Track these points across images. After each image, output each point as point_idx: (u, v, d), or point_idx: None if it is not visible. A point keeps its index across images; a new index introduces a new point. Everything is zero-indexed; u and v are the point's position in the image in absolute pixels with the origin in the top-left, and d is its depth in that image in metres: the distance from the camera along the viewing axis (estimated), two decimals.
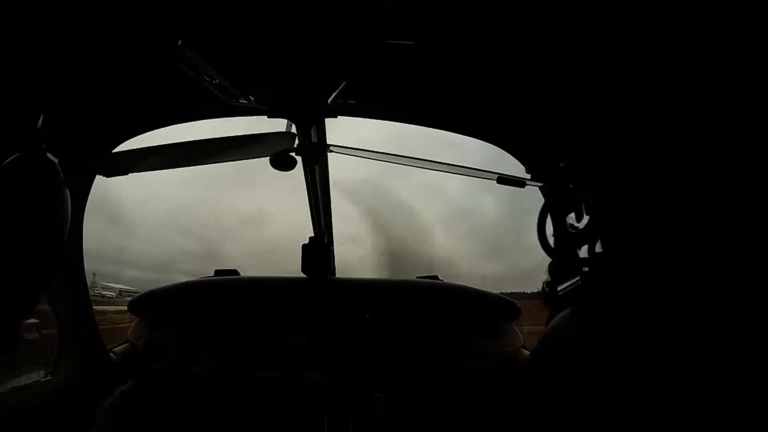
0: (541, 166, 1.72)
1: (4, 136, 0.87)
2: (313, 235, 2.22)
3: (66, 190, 0.90)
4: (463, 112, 1.60)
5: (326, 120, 1.59)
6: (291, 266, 2.26)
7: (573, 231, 1.57)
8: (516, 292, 2.69)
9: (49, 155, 0.89)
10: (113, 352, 2.12)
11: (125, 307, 2.42)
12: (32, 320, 1.72)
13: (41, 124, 1.01)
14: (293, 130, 1.50)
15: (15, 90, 1.14)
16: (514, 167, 1.78)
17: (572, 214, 1.25)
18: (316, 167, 1.73)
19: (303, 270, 2.23)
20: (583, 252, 1.69)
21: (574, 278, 1.74)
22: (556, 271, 1.87)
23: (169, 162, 1.68)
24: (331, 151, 1.73)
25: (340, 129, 1.63)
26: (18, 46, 1.08)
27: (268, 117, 1.48)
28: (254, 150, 1.61)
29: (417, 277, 2.57)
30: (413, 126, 1.70)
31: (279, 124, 1.52)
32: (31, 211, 0.82)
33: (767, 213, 0.79)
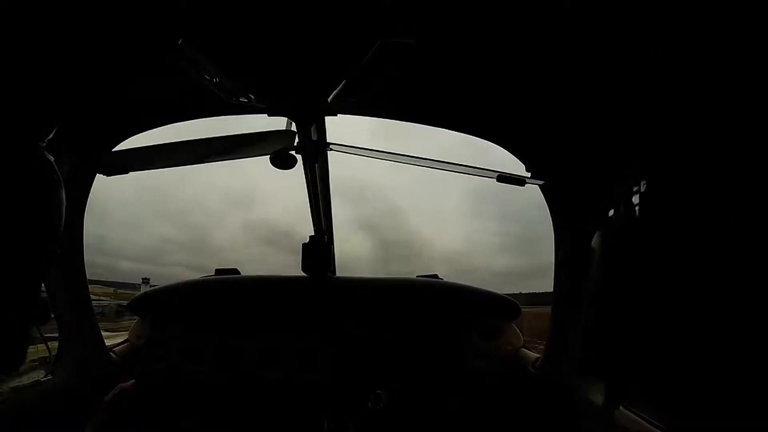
0: (541, 164, 1.72)
1: (5, 132, 0.87)
2: (313, 233, 2.22)
3: (62, 190, 0.90)
4: (463, 110, 1.61)
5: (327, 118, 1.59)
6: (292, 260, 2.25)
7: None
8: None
9: (47, 154, 0.87)
10: (113, 352, 2.12)
11: None
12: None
13: (42, 122, 1.00)
14: (293, 128, 1.50)
15: (16, 88, 1.14)
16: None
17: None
18: (317, 165, 1.73)
19: (303, 269, 2.23)
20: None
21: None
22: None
23: (169, 160, 1.68)
24: (331, 149, 1.73)
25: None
26: (18, 46, 1.07)
27: (269, 115, 1.48)
28: (254, 148, 1.61)
29: (417, 276, 2.57)
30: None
31: (279, 123, 1.52)
32: (25, 210, 0.81)
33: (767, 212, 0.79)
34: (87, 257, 1.84)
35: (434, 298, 2.36)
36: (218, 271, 2.54)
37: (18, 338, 0.83)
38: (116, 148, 1.64)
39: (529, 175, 1.74)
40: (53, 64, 1.19)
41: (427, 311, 2.30)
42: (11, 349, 0.83)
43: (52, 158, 0.88)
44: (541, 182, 1.76)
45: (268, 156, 1.61)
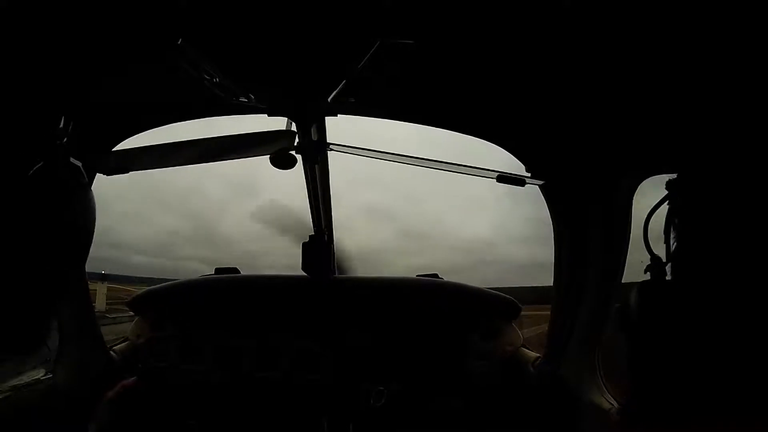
0: (541, 164, 1.72)
1: (29, 143, 0.87)
2: (313, 233, 2.22)
3: (91, 191, 0.90)
4: (462, 111, 1.61)
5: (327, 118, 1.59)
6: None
7: None
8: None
9: (72, 159, 0.88)
10: (113, 351, 2.12)
11: None
12: None
13: (63, 129, 1.00)
14: (293, 128, 1.50)
15: (35, 97, 1.14)
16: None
17: None
18: (317, 166, 1.73)
19: (303, 268, 2.23)
20: None
21: None
22: None
23: (170, 160, 1.67)
24: (331, 150, 1.73)
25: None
26: (17, 46, 1.07)
27: (269, 115, 1.48)
28: (254, 148, 1.61)
29: (417, 276, 2.57)
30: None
31: (279, 123, 1.52)
32: (59, 217, 0.82)
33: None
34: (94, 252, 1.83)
35: (434, 298, 2.37)
36: (218, 270, 2.54)
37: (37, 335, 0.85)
38: (116, 148, 1.64)
39: (529, 175, 1.74)
40: (53, 64, 1.19)
41: (427, 311, 2.31)
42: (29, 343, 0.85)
43: (78, 163, 0.89)
44: (541, 182, 1.76)
45: (268, 156, 1.61)
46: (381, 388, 2.16)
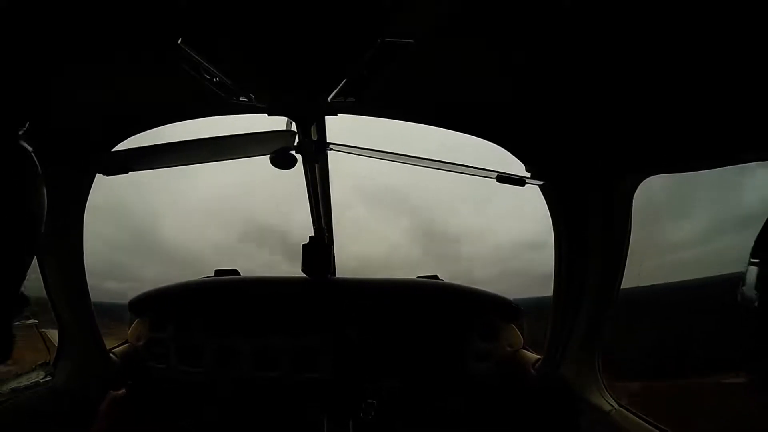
0: (541, 164, 1.72)
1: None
2: (313, 234, 2.22)
3: (41, 179, 0.87)
4: (462, 111, 1.60)
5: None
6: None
7: None
8: None
9: (23, 143, 0.85)
10: (113, 353, 2.12)
11: None
12: (32, 321, 1.72)
13: (18, 108, 0.98)
14: (293, 128, 1.50)
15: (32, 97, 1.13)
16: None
17: None
18: (316, 165, 1.73)
19: (303, 270, 2.23)
20: None
21: None
22: None
23: (169, 160, 1.68)
24: (331, 149, 1.73)
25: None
26: (17, 46, 1.07)
27: (269, 115, 1.47)
28: (254, 148, 1.61)
29: (417, 277, 2.57)
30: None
31: (279, 123, 1.52)
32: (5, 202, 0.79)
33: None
34: None
35: (434, 299, 2.37)
36: (218, 272, 2.54)
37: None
38: (116, 148, 1.64)
39: (529, 175, 1.74)
40: (52, 64, 1.19)
41: (427, 312, 2.30)
42: None
43: (29, 148, 0.85)
44: (541, 182, 1.76)
45: (268, 156, 1.61)
46: (381, 388, 2.16)
